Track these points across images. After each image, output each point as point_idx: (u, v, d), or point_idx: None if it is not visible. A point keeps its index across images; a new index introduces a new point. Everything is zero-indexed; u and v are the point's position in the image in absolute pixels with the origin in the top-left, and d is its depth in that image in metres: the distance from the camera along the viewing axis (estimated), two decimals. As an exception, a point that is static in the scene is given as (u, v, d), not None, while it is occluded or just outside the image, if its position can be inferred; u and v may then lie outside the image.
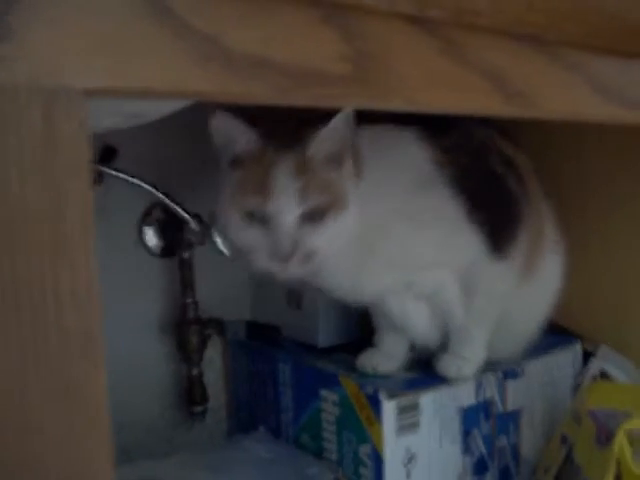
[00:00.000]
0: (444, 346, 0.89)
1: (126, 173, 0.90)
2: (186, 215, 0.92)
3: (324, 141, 0.74)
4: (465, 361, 0.88)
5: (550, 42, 0.49)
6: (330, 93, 0.37)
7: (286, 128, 0.74)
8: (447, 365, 0.88)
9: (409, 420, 0.82)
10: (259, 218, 0.74)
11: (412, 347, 0.92)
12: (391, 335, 0.90)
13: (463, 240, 0.83)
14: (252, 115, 0.73)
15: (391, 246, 0.80)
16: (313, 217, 0.74)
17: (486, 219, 0.83)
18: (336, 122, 0.72)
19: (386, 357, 0.90)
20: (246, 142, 0.74)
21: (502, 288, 0.87)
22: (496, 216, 0.84)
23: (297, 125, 0.74)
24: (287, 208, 0.72)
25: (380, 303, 0.87)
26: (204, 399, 1.02)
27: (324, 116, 0.72)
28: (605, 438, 0.75)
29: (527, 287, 0.89)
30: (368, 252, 0.79)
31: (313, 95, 0.37)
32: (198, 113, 0.99)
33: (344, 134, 0.74)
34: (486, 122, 0.87)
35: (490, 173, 0.85)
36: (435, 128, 0.82)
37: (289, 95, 0.36)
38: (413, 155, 0.82)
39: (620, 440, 0.73)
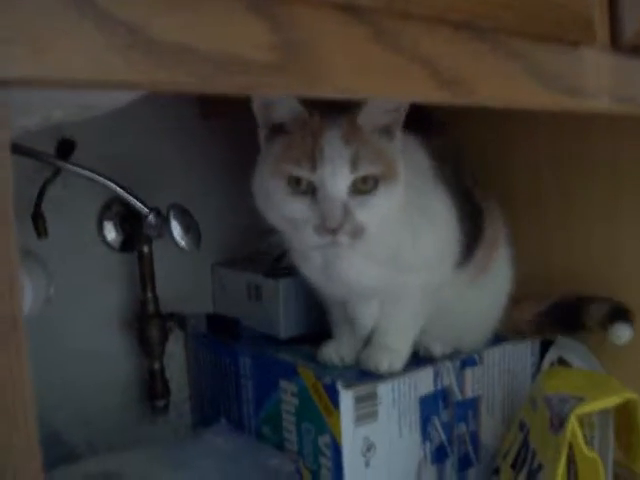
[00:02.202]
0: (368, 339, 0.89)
1: (84, 167, 0.90)
2: (144, 208, 0.91)
3: (375, 111, 0.72)
4: (397, 354, 0.87)
5: (487, 29, 0.50)
6: (256, 81, 0.37)
7: (329, 103, 0.70)
8: (379, 359, 0.86)
9: (367, 409, 0.83)
10: (306, 187, 0.71)
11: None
12: (347, 327, 0.90)
13: (454, 246, 0.85)
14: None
15: (395, 241, 0.80)
16: (364, 188, 0.71)
17: (464, 230, 0.85)
18: None
19: (349, 348, 0.90)
20: (287, 109, 0.71)
21: (449, 293, 0.88)
22: (468, 228, 0.86)
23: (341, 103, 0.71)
24: (338, 176, 0.69)
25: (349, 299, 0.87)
26: (166, 393, 1.02)
27: None
28: (558, 424, 0.76)
29: (482, 284, 0.91)
30: (378, 243, 0.78)
31: (238, 83, 0.37)
32: (156, 107, 0.99)
33: (396, 107, 0.72)
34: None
35: (463, 186, 0.87)
36: (423, 134, 0.82)
37: (213, 83, 0.36)
38: (420, 161, 0.83)
39: (572, 425, 0.74)
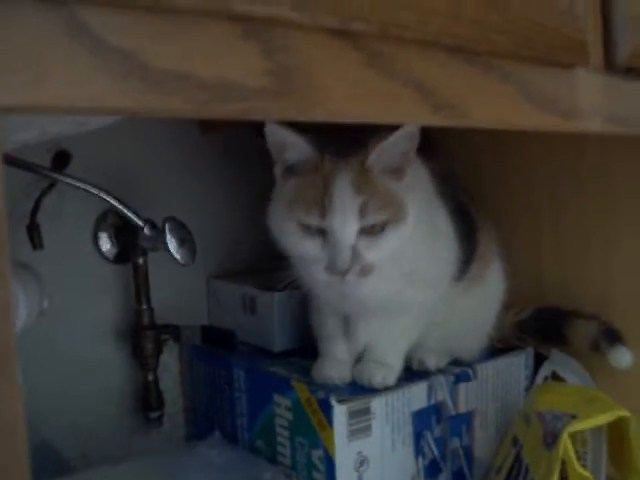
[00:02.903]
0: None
1: (79, 179, 0.90)
2: (138, 221, 0.91)
3: (384, 154, 0.73)
4: (390, 369, 0.87)
5: (480, 53, 0.50)
6: (250, 107, 0.37)
7: (341, 138, 0.73)
8: (372, 374, 0.86)
9: (361, 424, 0.83)
10: (316, 231, 0.73)
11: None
12: (342, 342, 0.90)
13: (453, 264, 0.86)
14: (305, 125, 0.70)
15: (412, 257, 0.80)
16: (372, 230, 0.73)
17: (463, 248, 0.86)
18: (397, 137, 0.71)
19: (344, 365, 0.89)
20: (299, 152, 0.73)
21: (442, 306, 0.89)
22: (466, 246, 0.87)
23: (353, 135, 0.73)
24: (346, 224, 0.72)
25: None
26: (160, 405, 1.02)
27: (378, 127, 0.71)
28: (551, 440, 0.76)
29: (475, 293, 0.92)
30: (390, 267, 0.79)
31: (233, 109, 0.37)
32: (153, 120, 0.99)
33: (406, 149, 0.73)
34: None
35: (459, 202, 0.88)
36: (423, 153, 0.82)
37: (208, 109, 0.36)
38: (425, 182, 0.84)
39: (564, 442, 0.74)
